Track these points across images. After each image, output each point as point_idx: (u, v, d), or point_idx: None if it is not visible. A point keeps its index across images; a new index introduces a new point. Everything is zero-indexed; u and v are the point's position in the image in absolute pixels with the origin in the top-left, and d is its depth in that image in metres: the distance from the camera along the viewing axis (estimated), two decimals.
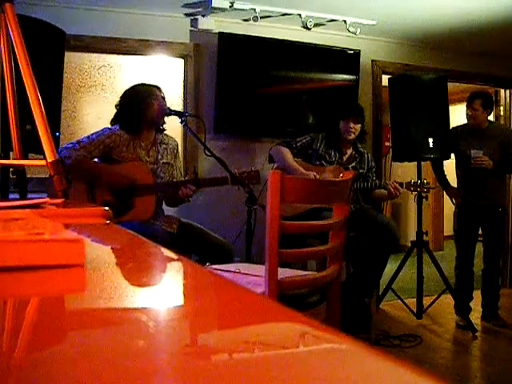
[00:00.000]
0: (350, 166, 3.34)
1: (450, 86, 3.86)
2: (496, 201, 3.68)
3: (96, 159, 2.77)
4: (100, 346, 0.33)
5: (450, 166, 3.91)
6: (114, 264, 0.64)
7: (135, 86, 2.88)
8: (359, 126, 3.30)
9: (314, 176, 3.10)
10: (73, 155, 2.65)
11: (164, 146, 2.92)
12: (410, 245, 3.76)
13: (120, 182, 2.71)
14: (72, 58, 3.50)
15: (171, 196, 2.88)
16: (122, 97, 2.87)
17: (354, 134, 3.30)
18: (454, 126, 3.82)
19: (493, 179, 3.63)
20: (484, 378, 2.80)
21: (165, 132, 2.95)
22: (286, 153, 3.25)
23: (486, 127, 3.64)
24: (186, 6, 3.53)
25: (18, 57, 1.37)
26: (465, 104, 3.70)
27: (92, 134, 2.77)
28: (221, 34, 3.69)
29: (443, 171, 3.91)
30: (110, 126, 2.84)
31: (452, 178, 3.89)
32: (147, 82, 2.91)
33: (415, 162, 3.82)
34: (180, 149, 3.15)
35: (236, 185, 2.74)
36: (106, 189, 2.73)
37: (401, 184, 3.27)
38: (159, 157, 2.87)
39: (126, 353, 0.32)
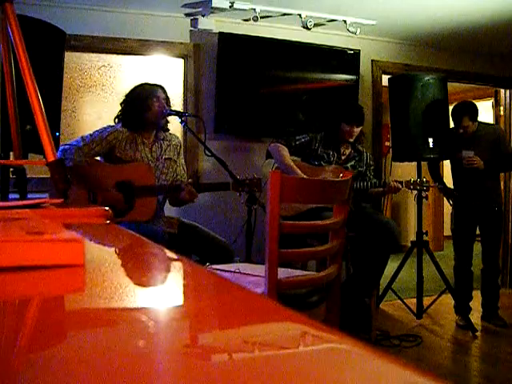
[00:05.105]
0: (348, 165, 3.36)
1: (450, 86, 3.86)
2: (490, 200, 3.68)
3: (99, 157, 2.78)
4: (100, 345, 0.33)
5: (448, 166, 3.91)
6: (114, 264, 0.64)
7: (138, 86, 2.87)
8: (360, 128, 3.38)
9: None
10: (74, 158, 2.64)
11: (167, 142, 2.92)
12: (410, 245, 3.76)
13: (116, 197, 2.70)
14: (72, 58, 3.49)
15: (172, 197, 2.88)
16: (126, 95, 2.88)
17: (355, 136, 3.38)
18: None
19: (486, 179, 3.64)
20: (484, 377, 2.80)
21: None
22: (283, 150, 3.26)
23: (476, 129, 3.64)
24: (186, 6, 3.53)
25: (18, 57, 1.37)
26: None
27: (95, 132, 2.78)
28: (221, 33, 3.69)
29: (439, 172, 3.92)
30: (112, 124, 2.85)
31: (450, 179, 3.89)
32: (151, 82, 2.90)
33: (415, 162, 3.82)
34: None
35: (237, 191, 2.76)
36: (106, 189, 2.73)
37: (400, 182, 3.31)
38: (162, 153, 2.87)
39: (125, 353, 0.32)
